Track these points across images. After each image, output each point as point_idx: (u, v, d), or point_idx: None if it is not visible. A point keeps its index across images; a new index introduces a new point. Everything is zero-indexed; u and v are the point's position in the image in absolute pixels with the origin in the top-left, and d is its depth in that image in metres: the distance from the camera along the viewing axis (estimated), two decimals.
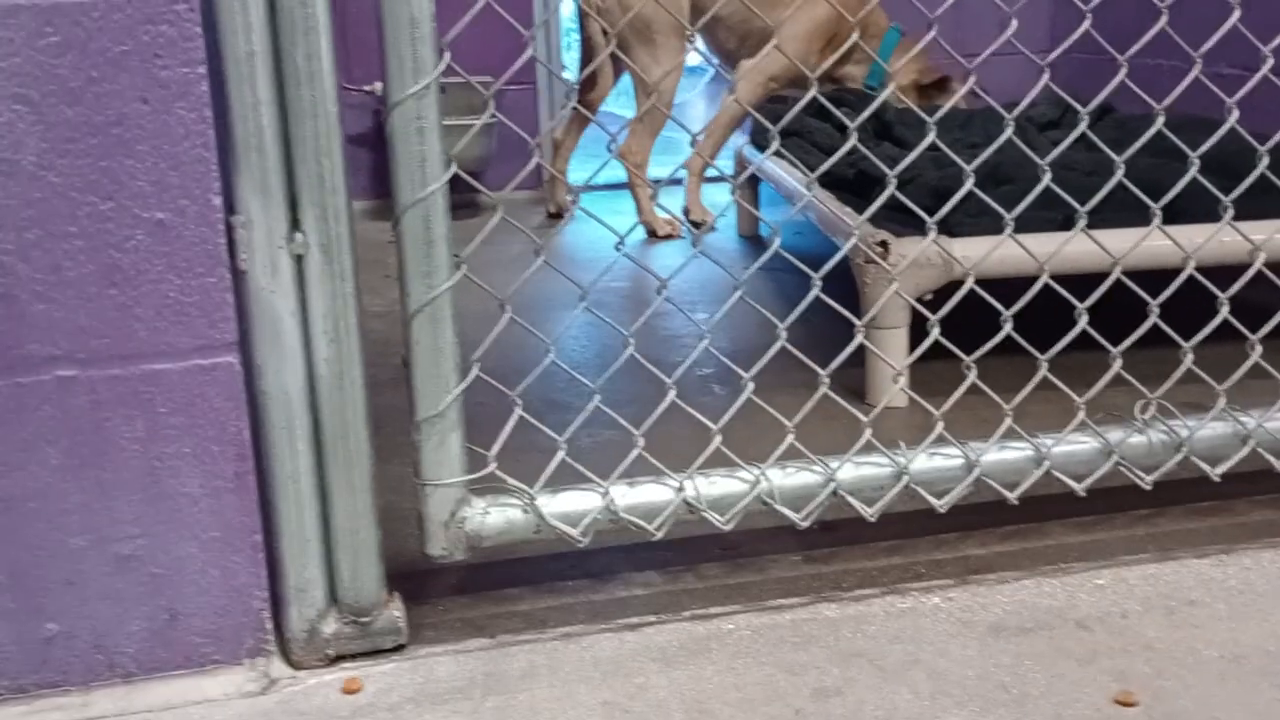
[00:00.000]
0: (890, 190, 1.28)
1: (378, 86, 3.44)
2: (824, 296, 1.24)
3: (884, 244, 1.72)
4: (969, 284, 1.31)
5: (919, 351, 1.32)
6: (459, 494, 1.18)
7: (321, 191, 1.04)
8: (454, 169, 1.09)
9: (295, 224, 1.05)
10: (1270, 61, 1.39)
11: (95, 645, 1.09)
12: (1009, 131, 1.28)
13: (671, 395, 1.25)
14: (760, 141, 2.77)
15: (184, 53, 0.98)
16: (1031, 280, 1.31)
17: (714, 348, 1.30)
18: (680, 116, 1.23)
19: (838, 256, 1.28)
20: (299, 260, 1.05)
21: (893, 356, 1.71)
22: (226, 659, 1.12)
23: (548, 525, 1.20)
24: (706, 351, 1.31)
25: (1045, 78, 1.26)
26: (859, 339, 1.28)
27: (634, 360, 1.25)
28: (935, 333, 1.28)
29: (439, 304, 1.11)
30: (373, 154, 3.59)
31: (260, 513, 1.10)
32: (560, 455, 1.21)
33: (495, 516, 1.19)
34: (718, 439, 1.26)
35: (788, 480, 1.25)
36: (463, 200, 3.41)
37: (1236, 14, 1.34)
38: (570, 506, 1.21)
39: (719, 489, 1.24)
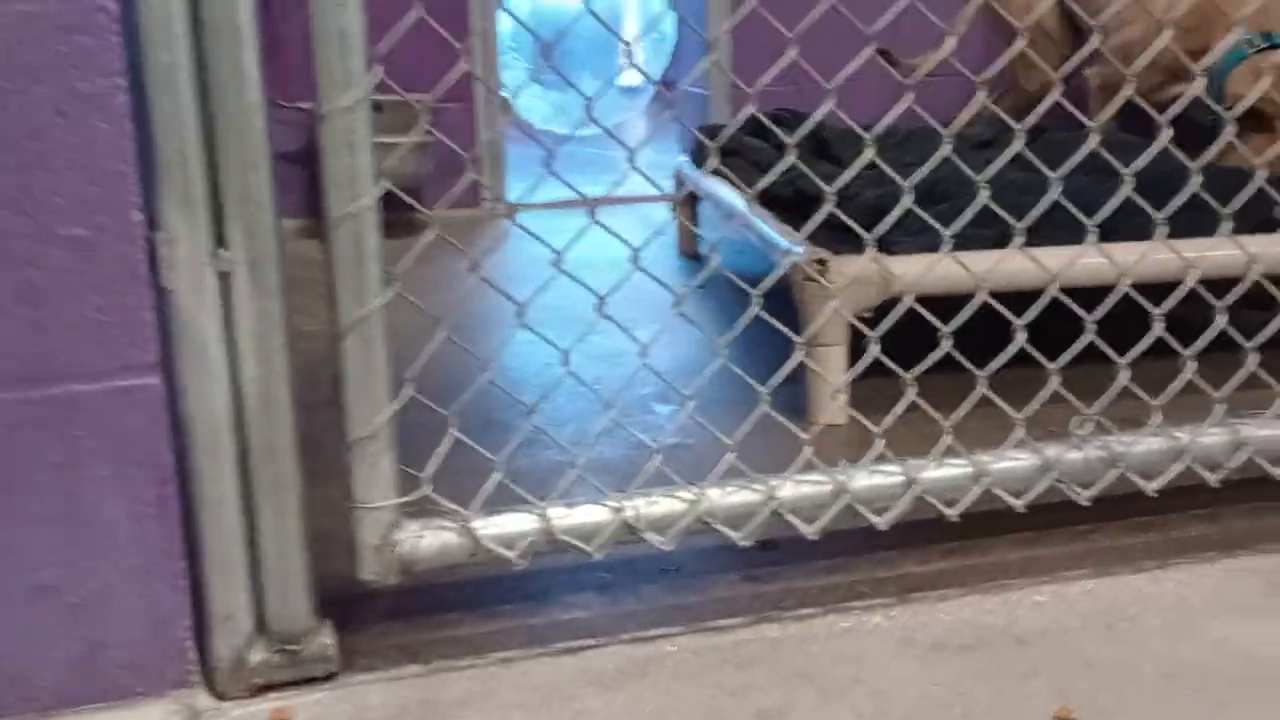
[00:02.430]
0: (828, 208, 1.27)
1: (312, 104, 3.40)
2: (764, 314, 1.23)
3: (823, 262, 1.72)
4: (908, 301, 1.31)
5: (858, 369, 1.32)
6: (392, 517, 1.15)
7: (248, 206, 1.01)
8: (385, 184, 1.07)
9: (221, 240, 1.01)
10: (1201, 81, 1.41)
11: (11, 678, 1.04)
12: (945, 150, 1.28)
13: (610, 414, 1.24)
14: (700, 159, 2.77)
15: (103, 64, 0.95)
16: (970, 297, 1.31)
17: (654, 366, 1.28)
18: (620, 135, 1.22)
19: (776, 274, 1.27)
20: (225, 277, 1.02)
21: (833, 374, 1.71)
22: (149, 691, 1.08)
23: (484, 548, 1.17)
24: (646, 370, 1.29)
25: (981, 96, 1.27)
26: (799, 356, 1.28)
27: (574, 379, 1.23)
28: (874, 350, 1.27)
29: (370, 322, 1.08)
30: (307, 172, 3.54)
31: (184, 539, 1.06)
32: (496, 476, 1.19)
33: (430, 539, 1.16)
34: (657, 458, 1.24)
35: (728, 499, 1.24)
36: (400, 219, 3.37)
37: (1167, 34, 1.36)
38: (507, 528, 1.18)
39: (659, 509, 1.22)
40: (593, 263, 1.28)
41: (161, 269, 1.00)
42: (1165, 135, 1.33)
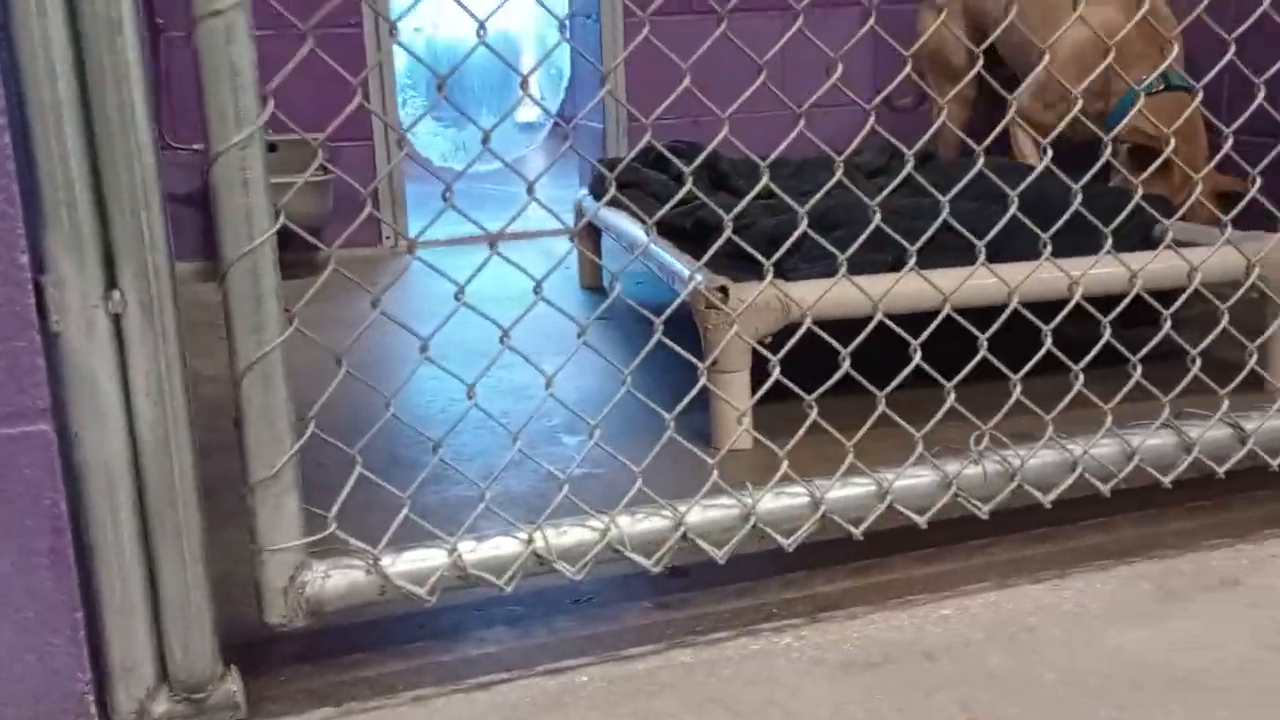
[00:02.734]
0: (727, 235, 1.29)
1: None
2: (666, 341, 1.24)
3: (723, 289, 1.74)
4: (806, 324, 1.34)
5: (760, 393, 1.34)
6: (298, 558, 1.13)
7: (140, 247, 0.99)
8: (282, 220, 1.06)
9: (112, 282, 0.99)
10: (1078, 104, 1.46)
11: None
12: (838, 176, 1.31)
13: (517, 447, 1.23)
14: (599, 192, 2.79)
15: None
16: (868, 320, 1.34)
17: (560, 397, 1.28)
18: (519, 170, 1.22)
19: (678, 301, 1.28)
20: (117, 320, 1.00)
21: (736, 399, 1.73)
22: None
23: (393, 586, 1.16)
24: (552, 401, 1.30)
25: (870, 122, 1.30)
26: (702, 382, 1.29)
27: (480, 413, 1.22)
28: (776, 373, 1.29)
29: (270, 361, 1.07)
30: (202, 214, 3.47)
31: (81, 588, 1.03)
32: (404, 513, 1.18)
33: (337, 579, 1.15)
34: (565, 488, 1.24)
35: (637, 526, 1.24)
36: (299, 260, 3.33)
37: (1046, 58, 1.41)
38: (416, 565, 1.17)
39: (569, 539, 1.22)
40: (496, 297, 1.28)
41: (50, 312, 0.98)
42: (1046, 158, 1.38)
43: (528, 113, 5.60)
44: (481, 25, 1.12)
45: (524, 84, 1.14)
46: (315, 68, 1.08)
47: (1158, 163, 2.26)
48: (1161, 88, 2.43)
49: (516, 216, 1.21)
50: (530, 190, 1.16)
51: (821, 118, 1.28)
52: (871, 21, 1.31)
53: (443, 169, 4.96)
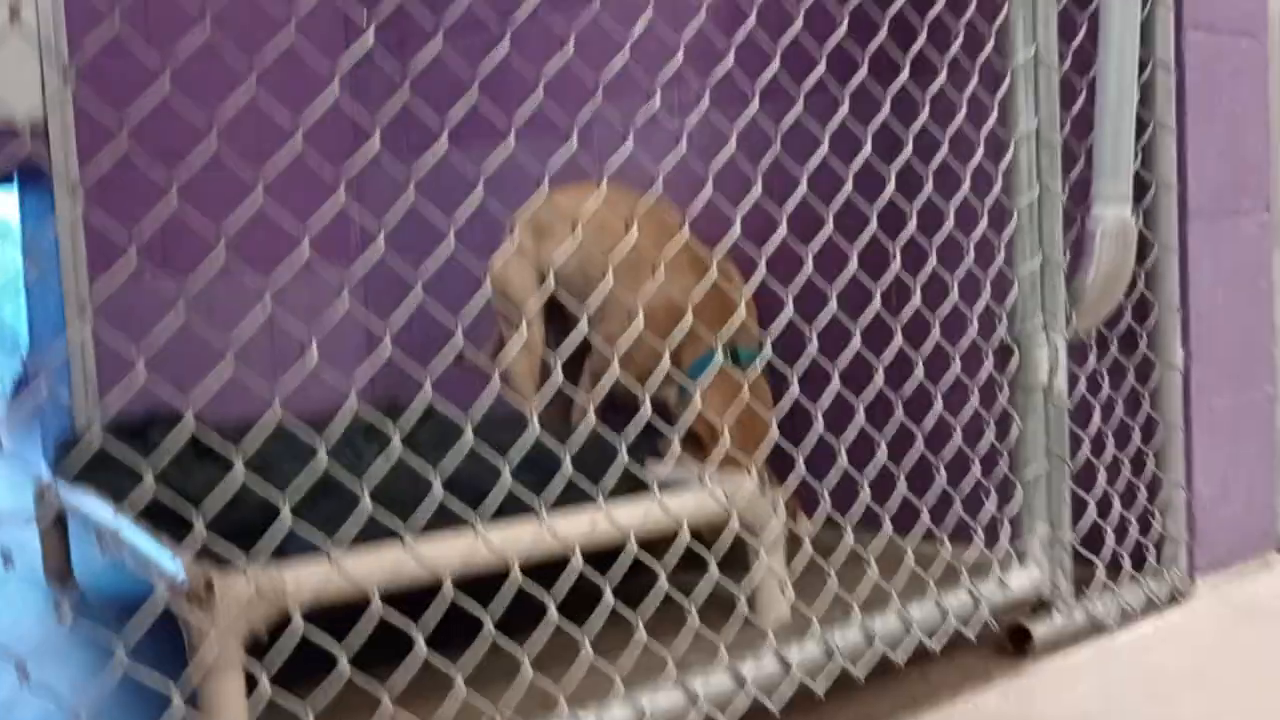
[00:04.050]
0: (211, 520, 1.16)
1: None
2: (135, 664, 1.07)
3: (207, 582, 1.57)
4: (299, 620, 1.22)
5: (258, 704, 1.19)
6: None
7: None
8: None
9: None
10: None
11: None
12: (333, 441, 1.24)
13: None
14: (64, 471, 2.49)
15: None
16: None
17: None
18: None
19: (154, 605, 1.13)
20: None
21: (230, 705, 1.54)
22: None
23: None
24: None
25: (356, 388, 1.25)
26: (189, 690, 1.13)
27: None
28: (265, 681, 1.16)
29: None
30: None
31: None
32: None
33: None
34: None
35: None
36: None
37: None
38: None
39: None
40: None
41: None
42: (535, 417, 1.39)
43: None
44: None
45: None
46: None
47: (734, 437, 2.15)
48: (729, 361, 2.33)
49: None
50: None
51: (315, 375, 1.21)
52: (363, 272, 1.27)
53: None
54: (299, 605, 1.24)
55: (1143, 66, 1.94)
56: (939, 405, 1.79)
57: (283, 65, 1.14)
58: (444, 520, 1.65)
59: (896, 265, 1.78)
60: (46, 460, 2.83)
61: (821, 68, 1.62)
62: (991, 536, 1.87)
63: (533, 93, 1.38)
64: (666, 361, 1.48)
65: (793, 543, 1.97)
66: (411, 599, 1.41)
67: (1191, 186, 2.03)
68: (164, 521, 1.95)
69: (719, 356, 2.27)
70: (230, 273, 3.28)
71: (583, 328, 1.42)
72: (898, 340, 1.72)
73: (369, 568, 1.29)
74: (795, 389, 1.56)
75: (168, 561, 1.71)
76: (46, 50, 3.05)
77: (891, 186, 1.70)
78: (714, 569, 1.54)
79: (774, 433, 1.71)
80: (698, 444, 2.22)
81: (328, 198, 1.17)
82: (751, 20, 1.56)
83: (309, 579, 1.39)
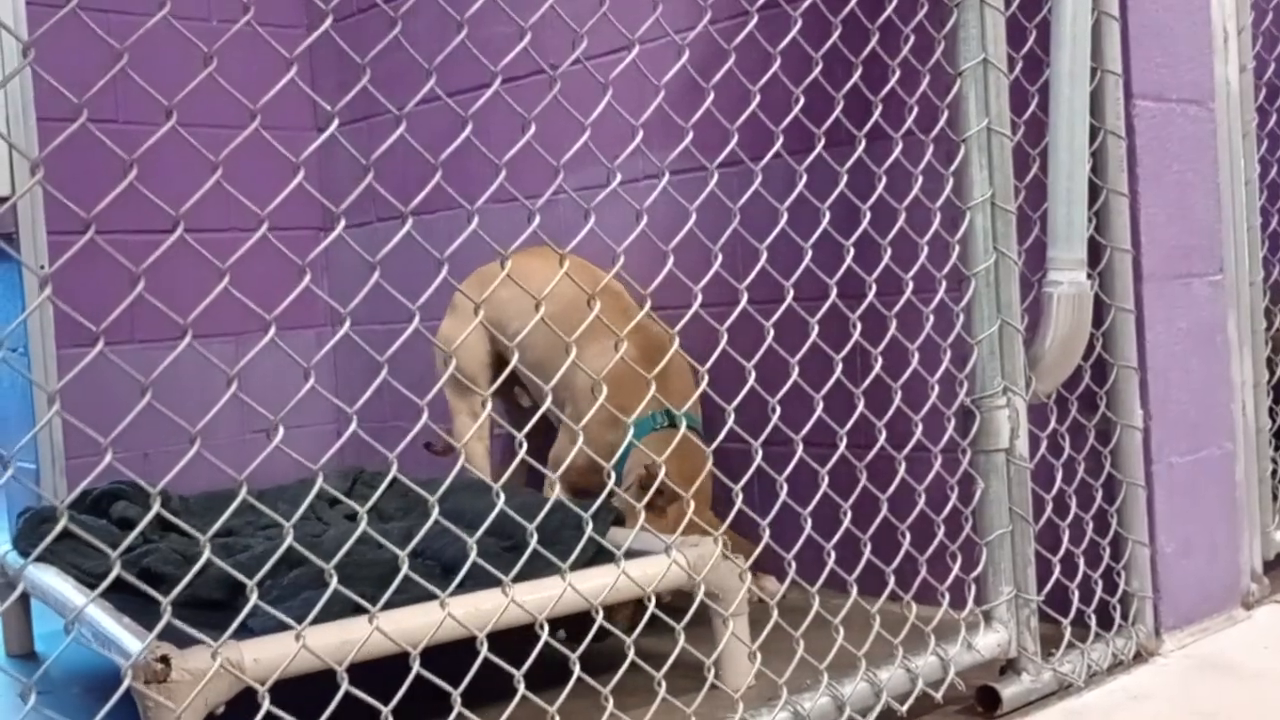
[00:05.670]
0: (174, 596, 1.16)
1: None
2: None
3: (165, 660, 1.55)
4: (264, 696, 1.21)
5: None
6: None
7: None
8: None
9: None
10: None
11: None
12: (299, 513, 1.24)
13: None
14: (26, 547, 2.46)
15: None
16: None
17: None
18: None
19: (117, 693, 1.12)
20: None
21: None
22: None
23: None
24: None
25: (326, 460, 1.26)
26: None
27: None
28: None
29: None
30: None
31: None
32: None
33: None
34: None
35: None
36: None
37: (513, 361, 1.46)
38: None
39: None
40: None
41: None
42: (498, 488, 1.40)
43: None
44: None
45: None
46: None
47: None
48: (665, 424, 2.33)
49: None
50: None
51: (282, 443, 1.21)
52: (333, 342, 1.29)
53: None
54: (259, 681, 1.23)
55: (1094, 135, 1.99)
56: (902, 469, 1.81)
57: (249, 148, 1.16)
58: (409, 590, 1.65)
59: (857, 333, 1.81)
60: (10, 534, 2.80)
61: (779, 142, 1.66)
62: (958, 598, 1.88)
63: (496, 177, 1.42)
64: (630, 435, 1.49)
65: (760, 604, 1.97)
66: (378, 667, 1.40)
67: (1145, 250, 2.07)
68: (127, 596, 1.93)
69: (661, 419, 2.31)
70: (198, 341, 3.28)
71: (547, 404, 1.44)
72: (860, 406, 1.74)
73: (332, 642, 1.29)
74: (758, 458, 1.58)
75: (128, 639, 1.69)
76: (16, 139, 3.08)
77: (850, 256, 1.73)
78: (681, 639, 1.54)
79: (709, 468, 1.74)
80: (644, 490, 2.13)
81: (296, 272, 1.19)
82: (709, 100, 1.59)
83: (269, 655, 1.38)
